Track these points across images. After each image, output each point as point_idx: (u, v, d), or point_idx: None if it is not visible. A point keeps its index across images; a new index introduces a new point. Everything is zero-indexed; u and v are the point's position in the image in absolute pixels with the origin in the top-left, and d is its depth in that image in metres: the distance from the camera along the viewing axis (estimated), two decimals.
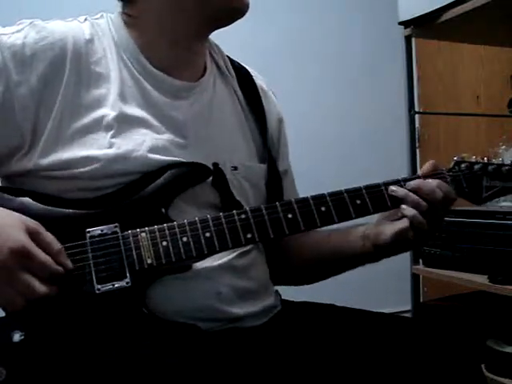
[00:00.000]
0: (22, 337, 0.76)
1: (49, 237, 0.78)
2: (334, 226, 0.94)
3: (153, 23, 0.95)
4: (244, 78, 1.09)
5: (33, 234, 0.77)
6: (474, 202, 0.99)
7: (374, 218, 0.98)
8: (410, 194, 0.91)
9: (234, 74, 1.07)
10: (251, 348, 0.90)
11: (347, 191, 0.91)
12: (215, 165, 0.95)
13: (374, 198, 0.92)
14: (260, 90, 1.10)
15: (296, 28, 2.60)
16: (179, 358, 0.76)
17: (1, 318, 0.77)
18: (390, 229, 0.94)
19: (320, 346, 0.91)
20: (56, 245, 0.78)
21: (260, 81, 1.12)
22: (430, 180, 0.93)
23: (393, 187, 0.93)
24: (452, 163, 0.99)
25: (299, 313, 1.03)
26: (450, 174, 0.97)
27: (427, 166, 0.97)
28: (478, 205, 1.00)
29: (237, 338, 0.90)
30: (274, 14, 2.56)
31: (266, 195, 1.04)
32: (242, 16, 0.98)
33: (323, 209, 0.89)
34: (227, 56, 1.09)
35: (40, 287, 0.75)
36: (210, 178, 0.94)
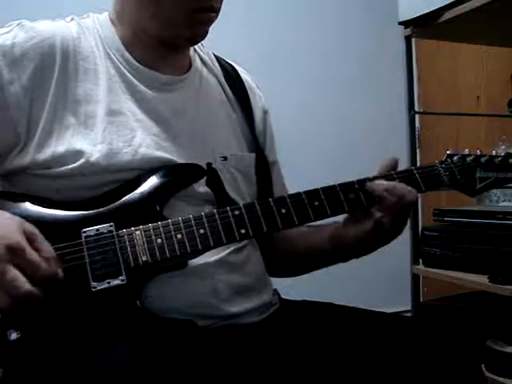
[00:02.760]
0: (19, 335, 0.76)
1: (44, 243, 0.79)
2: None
3: (128, 21, 0.98)
4: (229, 72, 1.11)
5: (29, 237, 0.77)
6: (467, 193, 1.00)
7: None
8: (385, 192, 0.90)
9: (219, 68, 1.09)
10: (248, 345, 0.90)
11: (340, 185, 0.92)
12: (209, 164, 0.96)
13: (367, 192, 0.92)
14: (245, 83, 1.12)
15: (296, 28, 2.59)
16: (176, 355, 0.76)
17: None
18: (354, 230, 0.94)
19: (318, 345, 0.91)
20: (50, 252, 0.78)
21: (245, 75, 1.14)
22: (383, 182, 0.92)
23: (370, 183, 0.92)
24: (444, 156, 0.99)
25: (297, 311, 1.03)
26: (443, 166, 0.98)
27: (386, 163, 0.97)
28: (471, 197, 1.01)
29: (234, 334, 0.90)
30: (274, 14, 2.56)
31: (257, 184, 1.05)
32: (191, 44, 1.01)
33: (316, 203, 0.90)
34: (213, 53, 1.11)
35: (25, 283, 0.73)
36: (204, 178, 0.95)
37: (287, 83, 2.47)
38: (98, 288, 0.80)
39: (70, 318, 0.80)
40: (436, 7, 1.66)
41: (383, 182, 0.92)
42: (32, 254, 0.75)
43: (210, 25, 0.96)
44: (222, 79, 1.08)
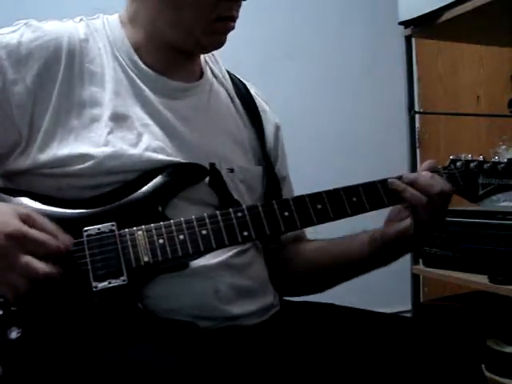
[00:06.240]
0: (19, 334, 0.76)
1: (41, 219, 0.79)
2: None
3: (142, 24, 0.97)
4: (240, 87, 1.11)
5: (26, 219, 0.77)
6: (470, 199, 1.00)
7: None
8: (408, 187, 0.92)
9: (230, 83, 1.09)
10: (249, 346, 0.90)
11: (343, 189, 0.92)
12: (212, 165, 0.95)
13: (370, 195, 0.93)
14: (256, 100, 1.12)
15: (296, 28, 2.60)
16: (177, 356, 0.76)
17: None
18: (393, 228, 0.95)
19: (319, 346, 0.91)
20: (50, 225, 0.79)
21: (255, 92, 1.14)
22: (424, 173, 0.95)
23: (391, 180, 0.94)
24: (448, 161, 1.00)
25: (298, 312, 1.03)
26: (446, 171, 0.98)
27: (426, 164, 0.98)
28: (474, 202, 1.01)
29: (235, 336, 0.90)
30: (274, 14, 2.56)
31: (264, 198, 1.04)
32: (206, 52, 1.03)
33: (319, 206, 0.90)
34: (226, 69, 1.11)
35: (41, 265, 0.74)
36: (207, 179, 0.94)
37: (287, 83, 2.48)
38: (99, 288, 0.79)
39: (71, 318, 0.80)
40: (436, 7, 1.67)
41: (408, 175, 0.94)
42: (35, 234, 0.75)
43: (228, 33, 0.96)
44: (233, 93, 1.08)
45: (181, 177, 0.91)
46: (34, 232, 0.76)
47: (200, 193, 0.94)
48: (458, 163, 0.99)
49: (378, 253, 0.99)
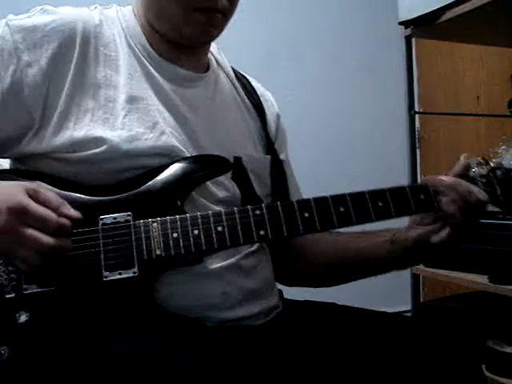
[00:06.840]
0: (28, 318, 0.76)
1: (48, 193, 0.78)
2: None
3: (143, 16, 0.98)
4: (242, 79, 1.12)
5: (32, 194, 0.77)
6: (506, 210, 0.95)
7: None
8: (452, 192, 0.88)
9: (233, 74, 1.10)
10: (254, 346, 0.90)
11: (369, 192, 0.88)
12: (236, 159, 0.95)
13: (398, 201, 0.88)
14: (257, 91, 1.13)
15: (296, 28, 2.60)
16: (183, 352, 0.77)
17: (8, 299, 0.78)
18: (415, 232, 0.92)
19: (321, 345, 0.91)
20: (56, 200, 0.78)
21: (256, 83, 1.15)
22: (462, 181, 0.90)
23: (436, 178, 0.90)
24: (486, 168, 0.93)
25: (301, 311, 1.03)
26: (484, 180, 0.93)
27: (462, 162, 0.95)
28: (510, 215, 0.95)
29: (239, 336, 0.90)
30: (274, 14, 2.56)
31: (271, 185, 1.05)
32: (192, 44, 0.99)
33: (342, 209, 0.86)
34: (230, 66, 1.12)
35: (47, 239, 0.74)
36: (230, 172, 0.93)
37: (287, 83, 2.47)
38: (110, 278, 0.79)
39: (80, 305, 0.80)
40: (436, 7, 1.67)
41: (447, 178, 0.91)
42: (38, 209, 0.75)
43: (215, 26, 0.95)
44: (237, 84, 1.08)
45: (203, 169, 0.90)
46: (35, 206, 0.75)
47: (221, 187, 0.93)
48: (499, 172, 0.92)
49: (398, 255, 0.97)
